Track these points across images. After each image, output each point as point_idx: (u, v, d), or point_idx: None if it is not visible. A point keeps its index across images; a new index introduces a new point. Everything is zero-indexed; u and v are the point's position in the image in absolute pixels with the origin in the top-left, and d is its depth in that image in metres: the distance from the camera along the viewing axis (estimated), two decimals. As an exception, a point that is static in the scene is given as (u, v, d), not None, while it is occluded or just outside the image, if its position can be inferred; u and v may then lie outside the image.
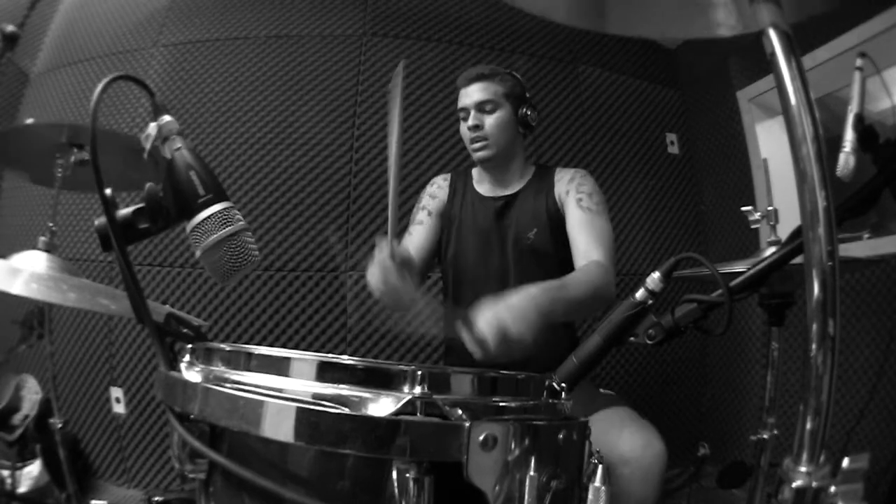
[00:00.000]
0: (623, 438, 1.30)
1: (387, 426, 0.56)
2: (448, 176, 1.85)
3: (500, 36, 2.83)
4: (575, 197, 1.62)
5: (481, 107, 1.65)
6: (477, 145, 1.66)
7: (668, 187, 2.97)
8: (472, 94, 1.67)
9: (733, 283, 0.81)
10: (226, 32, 2.76)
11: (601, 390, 1.52)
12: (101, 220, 0.72)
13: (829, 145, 0.59)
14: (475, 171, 1.82)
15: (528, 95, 1.74)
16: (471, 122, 1.66)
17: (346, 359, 0.66)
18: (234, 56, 2.71)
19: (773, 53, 0.60)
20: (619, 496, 1.25)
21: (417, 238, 1.74)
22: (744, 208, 1.43)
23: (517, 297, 1.11)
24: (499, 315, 1.05)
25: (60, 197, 1.52)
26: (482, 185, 1.78)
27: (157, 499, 2.18)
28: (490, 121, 1.65)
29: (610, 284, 1.40)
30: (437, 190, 1.82)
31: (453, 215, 1.77)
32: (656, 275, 0.83)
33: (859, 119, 1.00)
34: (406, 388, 0.60)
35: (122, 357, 2.51)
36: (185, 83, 2.69)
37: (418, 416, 0.58)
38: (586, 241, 1.53)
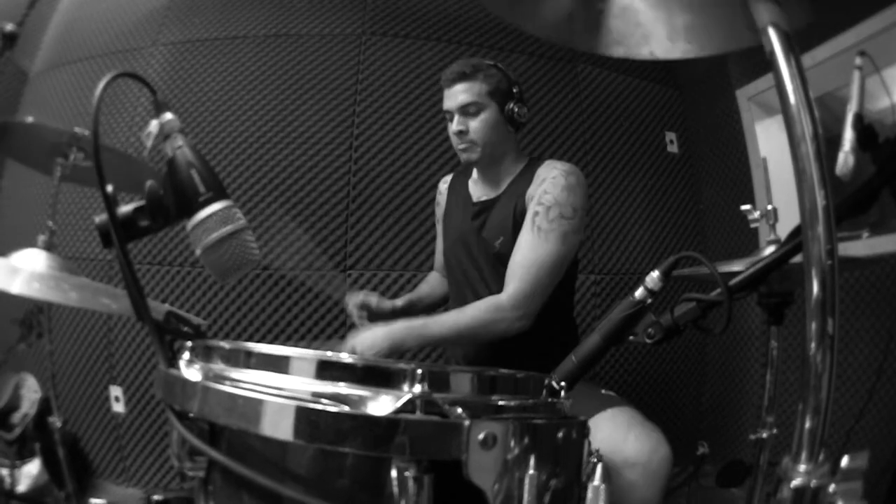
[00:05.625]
0: (629, 441, 1.28)
1: (386, 425, 0.56)
2: (448, 178, 1.85)
3: (499, 35, 2.82)
4: (532, 209, 1.51)
5: (465, 110, 1.59)
6: (462, 147, 1.62)
7: (668, 186, 2.97)
8: (454, 97, 1.60)
9: (732, 282, 0.81)
10: (225, 31, 2.76)
11: (602, 391, 1.48)
12: (101, 217, 0.72)
13: (828, 144, 0.59)
14: (475, 170, 1.81)
15: (515, 90, 1.65)
16: (455, 126, 1.60)
17: (345, 357, 0.66)
18: (233, 55, 2.71)
19: (773, 52, 0.60)
20: (622, 499, 1.25)
21: (438, 248, 1.91)
22: (743, 207, 1.43)
23: (380, 331, 1.37)
24: (354, 344, 1.34)
25: (59, 195, 1.52)
26: (476, 185, 1.76)
27: (156, 497, 2.19)
28: (475, 124, 1.59)
29: (503, 321, 1.43)
30: (440, 197, 1.88)
31: (446, 220, 1.81)
32: (655, 274, 0.83)
33: (859, 118, 1.00)
34: (406, 387, 0.60)
35: (122, 356, 2.51)
36: (184, 82, 2.68)
37: (418, 415, 0.58)
38: (513, 268, 1.47)
